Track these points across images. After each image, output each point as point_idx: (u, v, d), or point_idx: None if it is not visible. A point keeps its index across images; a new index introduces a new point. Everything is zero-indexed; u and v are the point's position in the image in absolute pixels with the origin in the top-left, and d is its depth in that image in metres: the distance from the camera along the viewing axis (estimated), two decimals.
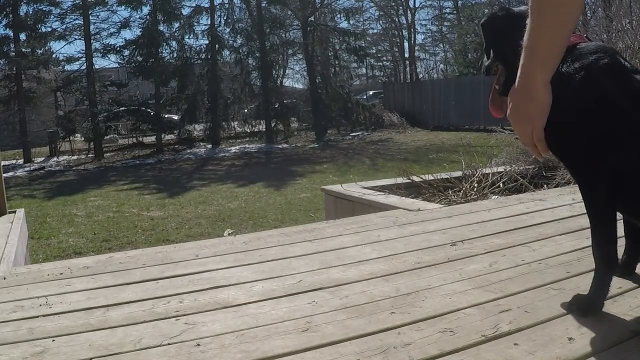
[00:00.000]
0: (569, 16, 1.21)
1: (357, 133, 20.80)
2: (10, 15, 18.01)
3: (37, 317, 1.66)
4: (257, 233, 2.92)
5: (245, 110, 22.04)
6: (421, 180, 4.19)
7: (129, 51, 19.96)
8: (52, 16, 18.82)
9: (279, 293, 1.80)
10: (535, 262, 1.98)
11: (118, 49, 19.76)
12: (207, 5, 20.78)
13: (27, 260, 3.40)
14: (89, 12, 18.99)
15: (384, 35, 31.82)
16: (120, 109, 20.53)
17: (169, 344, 1.44)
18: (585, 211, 1.51)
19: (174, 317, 1.63)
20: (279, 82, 22.67)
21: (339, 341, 1.42)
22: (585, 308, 1.51)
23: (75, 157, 18.57)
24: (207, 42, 20.74)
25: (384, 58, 31.98)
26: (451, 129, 19.23)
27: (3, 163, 4.22)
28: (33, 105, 18.34)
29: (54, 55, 19.68)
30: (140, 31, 19.80)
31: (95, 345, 1.45)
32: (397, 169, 5.00)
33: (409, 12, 30.45)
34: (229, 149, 19.09)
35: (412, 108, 22.36)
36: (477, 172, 4.27)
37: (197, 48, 20.97)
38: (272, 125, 20.75)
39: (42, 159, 18.33)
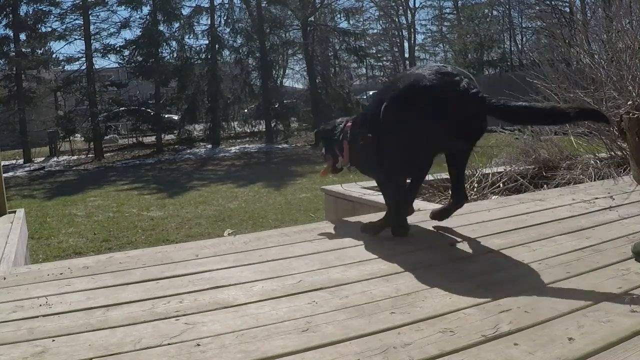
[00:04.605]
0: None
1: None
2: (10, 15, 18.04)
3: (37, 317, 1.66)
4: (257, 233, 2.91)
5: (245, 110, 22.05)
6: None
7: (129, 51, 20.00)
8: (52, 16, 18.88)
9: (279, 293, 1.80)
10: (535, 262, 1.98)
11: (118, 49, 19.80)
12: (207, 5, 20.82)
13: (27, 260, 3.40)
14: (89, 12, 19.02)
15: (384, 35, 31.80)
16: (120, 109, 20.54)
17: (169, 344, 1.44)
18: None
19: (174, 317, 1.63)
20: (279, 82, 22.70)
21: (339, 341, 1.42)
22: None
23: (75, 157, 18.59)
24: (207, 42, 20.77)
25: (384, 58, 31.96)
26: None
27: (3, 163, 4.21)
28: (33, 105, 18.36)
29: (54, 55, 19.73)
30: (140, 31, 19.86)
31: (95, 345, 1.45)
32: None
33: (409, 12, 30.46)
34: (229, 149, 19.10)
35: None
36: (477, 172, 4.27)
37: (197, 48, 21.03)
38: (272, 125, 20.76)
39: (42, 159, 18.34)
